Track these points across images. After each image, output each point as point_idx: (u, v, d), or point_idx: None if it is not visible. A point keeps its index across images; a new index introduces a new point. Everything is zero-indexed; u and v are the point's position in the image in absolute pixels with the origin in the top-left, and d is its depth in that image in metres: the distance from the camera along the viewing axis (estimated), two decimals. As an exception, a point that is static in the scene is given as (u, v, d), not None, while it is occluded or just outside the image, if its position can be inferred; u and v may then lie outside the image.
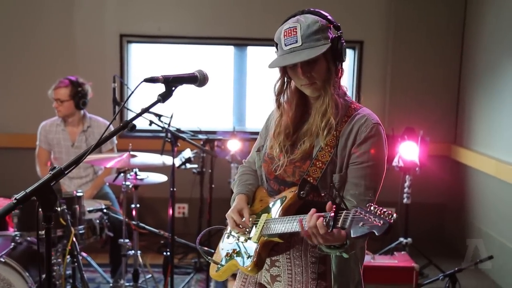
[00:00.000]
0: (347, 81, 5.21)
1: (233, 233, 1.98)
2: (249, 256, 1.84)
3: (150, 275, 3.91)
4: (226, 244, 2.00)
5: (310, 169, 1.80)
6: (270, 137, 1.96)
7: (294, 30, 1.76)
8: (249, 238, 1.87)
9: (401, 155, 4.39)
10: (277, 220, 1.80)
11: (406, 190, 4.48)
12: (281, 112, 1.91)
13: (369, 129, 1.79)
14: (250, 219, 1.89)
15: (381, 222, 1.39)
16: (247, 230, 1.89)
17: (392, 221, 1.38)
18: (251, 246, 1.85)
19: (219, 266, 1.97)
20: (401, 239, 4.46)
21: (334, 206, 1.54)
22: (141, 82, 1.70)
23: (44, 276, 3.00)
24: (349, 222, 1.47)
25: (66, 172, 1.52)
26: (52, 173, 1.49)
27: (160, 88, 1.78)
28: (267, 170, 1.96)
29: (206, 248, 3.78)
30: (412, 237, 4.49)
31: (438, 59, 5.14)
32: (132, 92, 1.72)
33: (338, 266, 1.81)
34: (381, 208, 1.43)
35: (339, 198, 1.52)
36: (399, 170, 4.46)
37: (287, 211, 1.82)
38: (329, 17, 1.84)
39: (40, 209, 1.50)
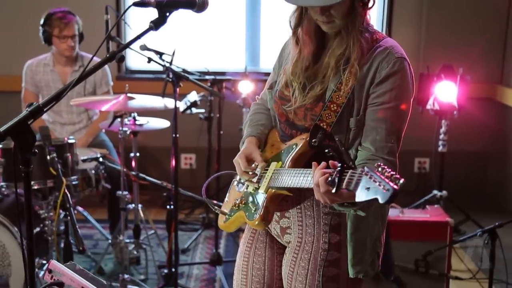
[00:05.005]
0: (376, 11, 5.08)
1: (242, 180, 1.97)
2: (256, 209, 1.84)
3: (152, 231, 3.97)
4: (234, 193, 2.00)
5: (323, 113, 1.77)
6: (284, 72, 1.91)
7: None
8: (258, 188, 1.87)
9: (437, 96, 4.32)
10: (285, 172, 1.78)
11: (442, 136, 4.44)
12: (300, 46, 1.85)
13: (391, 64, 1.72)
14: (260, 165, 1.87)
15: (386, 188, 1.36)
16: (256, 178, 1.87)
17: (397, 187, 1.35)
18: (259, 198, 1.85)
19: (227, 216, 1.98)
20: (435, 191, 4.45)
21: (340, 164, 1.50)
22: (130, 6, 1.67)
23: (37, 230, 3.08)
24: (354, 184, 1.44)
25: (45, 110, 1.51)
26: (29, 110, 1.48)
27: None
28: (278, 111, 1.93)
29: (215, 202, 3.82)
30: (448, 189, 4.48)
31: (484, -15, 4.99)
32: (119, 18, 1.69)
33: (354, 220, 1.80)
34: (390, 170, 1.40)
35: (345, 156, 1.50)
36: (434, 114, 4.41)
37: (296, 161, 1.80)
38: None
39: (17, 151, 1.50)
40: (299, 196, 1.84)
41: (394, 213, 3.42)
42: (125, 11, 1.65)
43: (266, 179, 1.84)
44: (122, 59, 1.64)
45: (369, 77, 1.74)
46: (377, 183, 1.38)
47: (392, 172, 1.38)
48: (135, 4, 1.68)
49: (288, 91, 1.87)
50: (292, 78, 1.85)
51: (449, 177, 4.66)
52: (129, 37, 4.92)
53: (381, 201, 1.36)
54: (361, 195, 1.42)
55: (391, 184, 1.36)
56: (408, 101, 1.77)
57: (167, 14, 1.72)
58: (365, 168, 1.44)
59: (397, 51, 1.76)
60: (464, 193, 4.97)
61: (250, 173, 1.87)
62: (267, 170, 1.87)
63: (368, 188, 1.40)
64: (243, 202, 1.92)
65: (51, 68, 4.06)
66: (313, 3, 1.69)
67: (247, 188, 1.93)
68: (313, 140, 1.76)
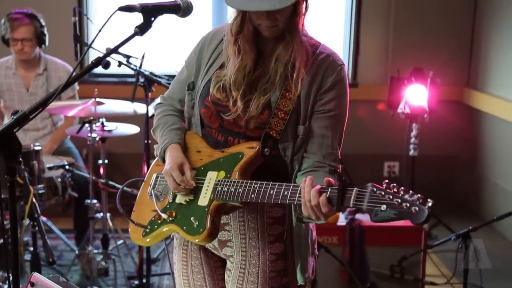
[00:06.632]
0: (343, 13, 5.15)
1: (159, 189, 1.90)
2: (198, 224, 1.76)
3: (122, 241, 3.95)
4: (150, 203, 1.90)
5: (272, 121, 1.78)
6: (217, 76, 1.86)
7: None
8: (192, 200, 1.80)
9: (407, 100, 4.41)
10: (237, 184, 1.73)
11: (412, 140, 4.54)
12: (242, 55, 1.81)
13: (336, 72, 1.80)
14: (191, 176, 1.81)
15: (416, 208, 1.41)
16: (190, 190, 1.81)
17: (429, 207, 1.42)
18: (199, 211, 1.78)
19: (147, 230, 1.87)
20: (407, 196, 4.52)
21: (338, 182, 1.56)
22: (116, 11, 1.67)
23: (0, 241, 3.03)
24: (367, 203, 1.50)
25: (31, 117, 1.51)
26: (14, 117, 1.48)
27: (134, 20, 1.75)
28: (209, 117, 1.87)
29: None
30: (419, 193, 4.55)
31: (451, -11, 5.12)
32: (104, 25, 1.69)
33: (297, 228, 1.85)
34: (402, 187, 1.46)
35: (344, 176, 1.57)
36: (405, 118, 4.50)
37: (245, 171, 1.77)
38: None
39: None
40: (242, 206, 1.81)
41: (368, 219, 3.48)
42: (110, 16, 1.65)
43: (208, 191, 1.78)
44: (108, 65, 1.65)
45: (315, 83, 1.79)
46: (399, 203, 1.44)
47: (409, 191, 1.45)
48: (120, 9, 1.68)
49: (222, 96, 1.83)
50: (233, 87, 1.82)
51: (419, 181, 4.76)
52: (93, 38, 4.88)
53: (413, 222, 1.42)
54: (378, 215, 1.47)
55: (418, 202, 1.42)
56: (347, 107, 1.86)
57: (152, 19, 1.74)
58: (374, 186, 1.50)
59: (338, 58, 1.84)
60: (433, 197, 5.05)
61: (184, 186, 1.80)
62: (200, 180, 1.81)
63: (388, 208, 1.45)
64: (172, 214, 1.83)
65: (13, 71, 4.00)
66: (262, 7, 1.67)
67: (173, 199, 1.86)
68: (265, 149, 1.79)
